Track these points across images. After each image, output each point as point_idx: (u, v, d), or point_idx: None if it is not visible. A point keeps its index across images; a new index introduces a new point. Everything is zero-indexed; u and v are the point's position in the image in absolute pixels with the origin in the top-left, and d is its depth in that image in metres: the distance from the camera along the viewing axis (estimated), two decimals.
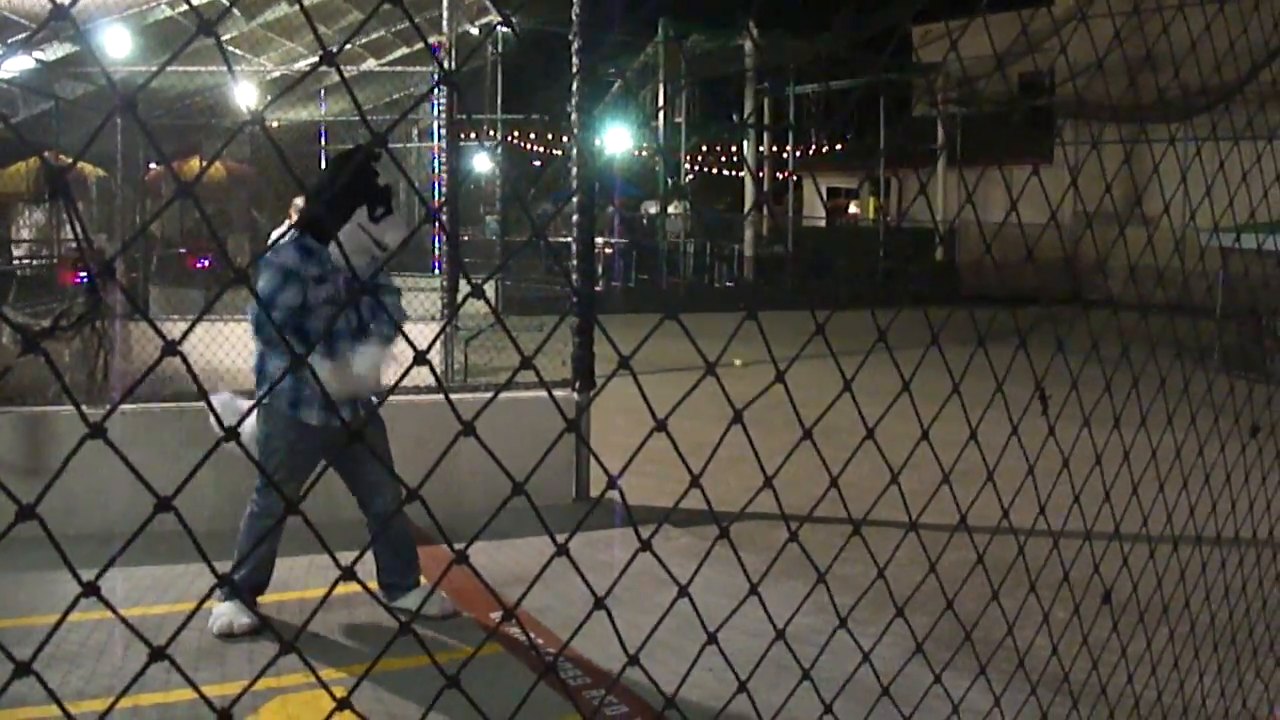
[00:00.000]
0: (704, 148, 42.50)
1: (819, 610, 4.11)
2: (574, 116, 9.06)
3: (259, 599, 6.47)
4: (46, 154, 27.15)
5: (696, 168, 42.32)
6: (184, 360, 1.48)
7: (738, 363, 14.84)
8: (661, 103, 33.12)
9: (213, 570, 1.59)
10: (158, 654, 1.44)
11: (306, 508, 5.43)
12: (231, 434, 1.47)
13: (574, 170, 9.30)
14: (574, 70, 9.14)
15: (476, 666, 5.81)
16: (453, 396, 6.30)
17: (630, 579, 3.88)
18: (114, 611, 1.48)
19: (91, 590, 1.41)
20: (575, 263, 9.16)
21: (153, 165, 29.18)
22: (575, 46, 8.99)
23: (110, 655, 5.73)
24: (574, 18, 8.98)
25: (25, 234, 27.37)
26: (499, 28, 22.10)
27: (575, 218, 9.20)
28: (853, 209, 46.80)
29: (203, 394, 1.58)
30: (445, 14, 13.94)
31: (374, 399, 6.41)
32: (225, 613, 6.18)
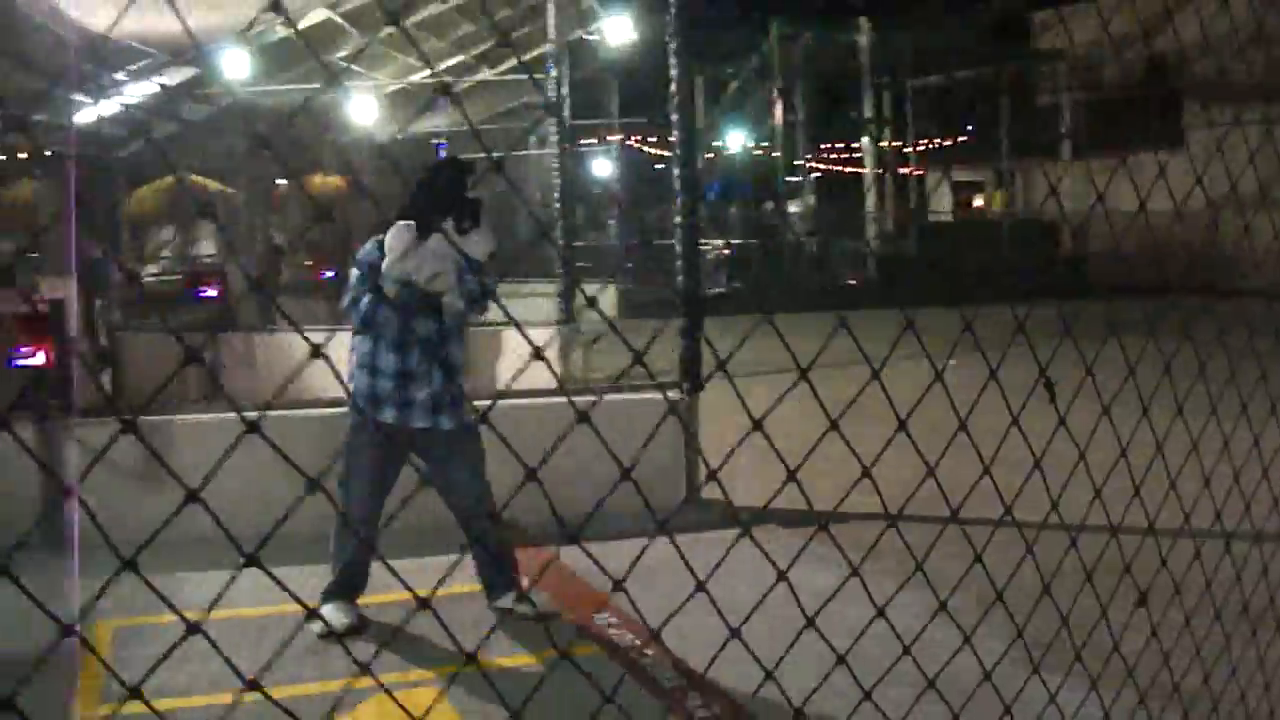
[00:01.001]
0: (823, 146, 42.19)
1: (925, 612, 4.06)
2: (673, 118, 9.08)
3: (359, 599, 6.58)
4: (179, 175, 27.88)
5: (816, 166, 42.07)
6: (329, 363, 1.55)
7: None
8: (777, 101, 32.90)
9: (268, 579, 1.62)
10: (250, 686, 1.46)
11: (407, 509, 5.49)
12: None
13: (675, 172, 9.27)
14: (672, 71, 9.12)
15: (572, 666, 5.80)
16: (563, 400, 6.32)
17: (737, 581, 3.87)
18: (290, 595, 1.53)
19: (251, 561, 1.46)
20: (680, 264, 9.17)
21: (278, 181, 29.72)
22: (672, 47, 9.01)
23: (224, 651, 5.83)
24: (670, 19, 8.99)
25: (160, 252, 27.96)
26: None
27: (678, 220, 9.20)
28: (978, 202, 46.21)
29: (346, 391, 1.63)
30: (552, 22, 13.98)
31: (469, 403, 6.52)
32: (325, 614, 6.30)
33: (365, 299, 6.21)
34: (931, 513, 4.24)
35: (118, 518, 7.26)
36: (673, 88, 9.14)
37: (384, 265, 6.12)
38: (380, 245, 6.23)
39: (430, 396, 6.35)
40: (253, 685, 1.51)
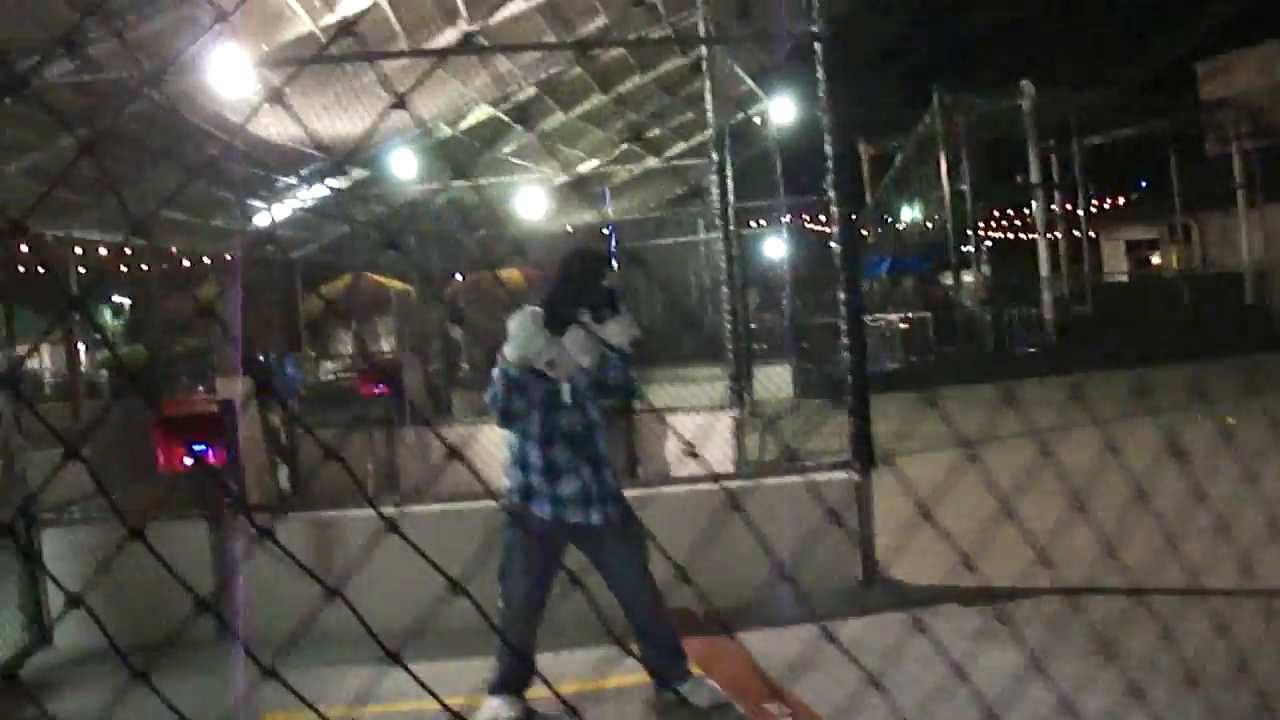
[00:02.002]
0: (994, 212, 41.76)
1: (1115, 690, 3.88)
2: (831, 194, 9.01)
3: (526, 693, 6.52)
4: (352, 275, 28.55)
5: (988, 233, 41.58)
6: (464, 463, 1.53)
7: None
8: (944, 170, 32.65)
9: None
10: None
11: (560, 601, 5.44)
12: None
13: (836, 249, 9.17)
14: (828, 148, 9.06)
15: None
16: (734, 483, 6.27)
17: (917, 663, 3.75)
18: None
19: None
20: (846, 341, 9.06)
21: (456, 277, 30.24)
22: (827, 124, 8.96)
23: None
24: (821, 96, 8.96)
25: (340, 349, 28.62)
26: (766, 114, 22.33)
27: (842, 295, 9.09)
28: (1155, 260, 45.32)
29: (486, 489, 1.61)
30: (709, 108, 14.04)
31: (623, 494, 6.49)
32: (491, 707, 6.29)
33: (501, 393, 6.20)
34: (1119, 582, 4.08)
35: (287, 614, 7.33)
36: (829, 163, 9.07)
37: (505, 351, 6.12)
38: None
39: (580, 491, 6.32)
40: None
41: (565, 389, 6.26)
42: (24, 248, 20.37)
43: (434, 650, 5.27)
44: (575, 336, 6.13)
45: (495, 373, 6.21)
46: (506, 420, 6.24)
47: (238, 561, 8.08)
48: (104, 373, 30.45)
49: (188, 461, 8.30)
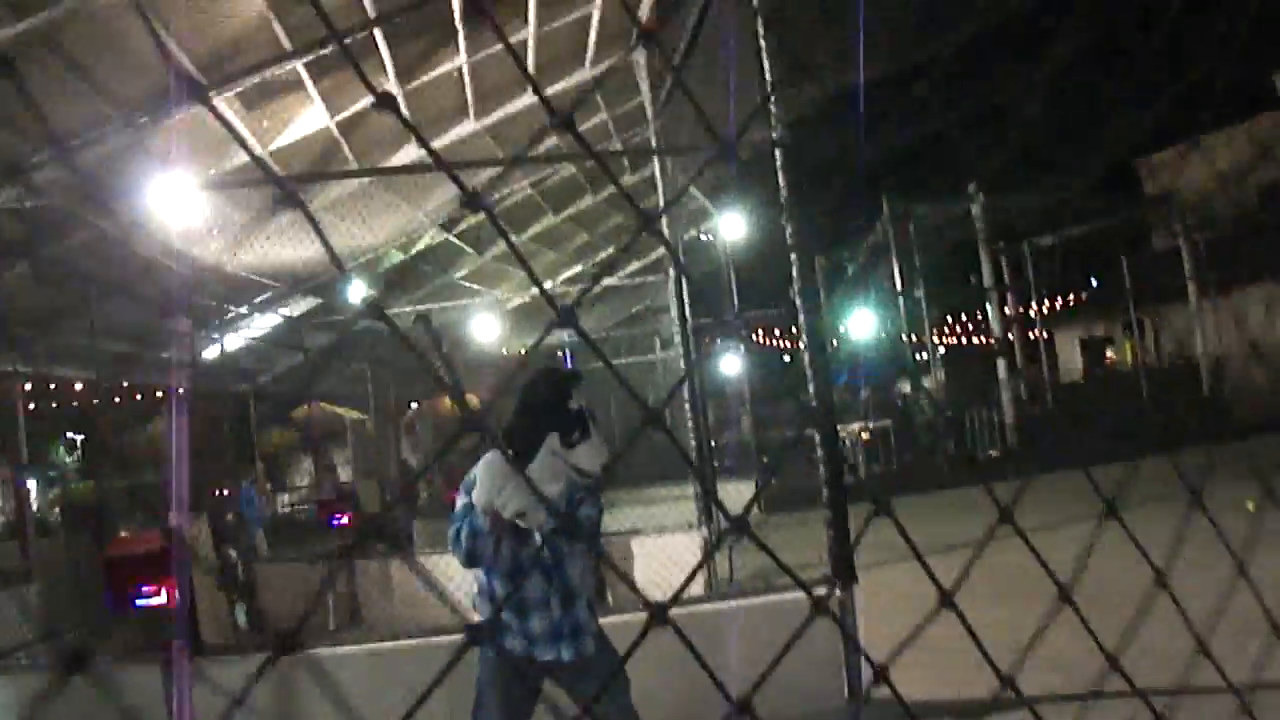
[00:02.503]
0: (949, 317, 41.95)
1: None
2: (798, 303, 8.83)
3: None
4: (308, 405, 28.30)
5: (943, 339, 41.68)
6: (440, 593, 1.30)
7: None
8: (898, 279, 32.77)
9: None
10: None
11: None
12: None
13: (807, 360, 8.98)
14: (791, 259, 8.90)
15: None
16: (713, 606, 5.97)
17: None
18: None
19: None
20: (820, 454, 8.84)
21: (412, 405, 30.02)
22: (789, 233, 8.81)
23: None
24: (783, 205, 8.82)
25: (298, 481, 28.29)
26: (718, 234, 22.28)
27: (815, 406, 8.90)
28: (1110, 355, 45.65)
29: (450, 605, 1.41)
30: (666, 228, 13.92)
31: (596, 631, 6.15)
32: None
33: (464, 534, 5.89)
34: (1123, 685, 3.83)
35: None
36: (794, 273, 8.90)
37: (474, 497, 5.81)
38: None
39: (551, 626, 5.98)
40: None
41: (534, 534, 5.94)
42: None
43: None
44: (543, 462, 5.82)
45: (459, 508, 5.89)
46: (471, 561, 5.91)
47: (189, 706, 7.73)
48: (56, 511, 30.00)
49: (138, 602, 7.98)
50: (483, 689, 6.02)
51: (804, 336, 8.94)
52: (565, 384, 6.10)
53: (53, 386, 26.11)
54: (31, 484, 31.40)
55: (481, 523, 5.73)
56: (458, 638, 5.77)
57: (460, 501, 5.87)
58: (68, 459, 36.00)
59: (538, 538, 5.89)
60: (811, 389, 8.92)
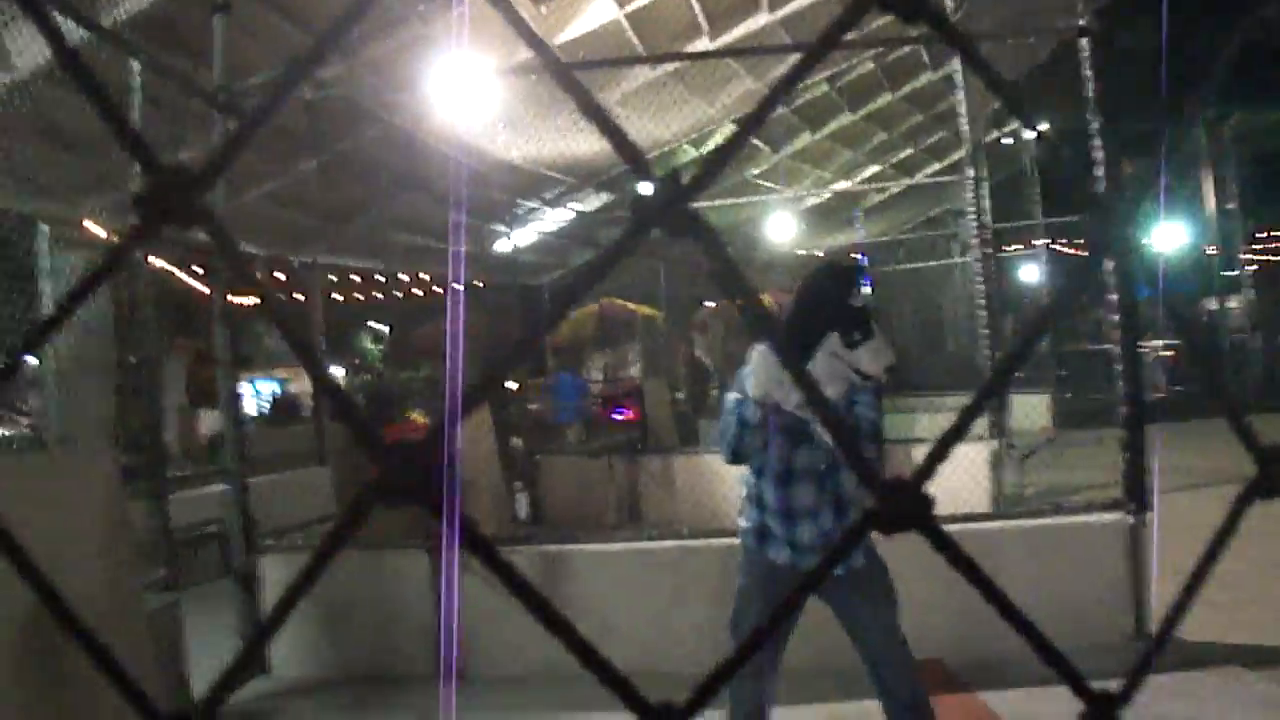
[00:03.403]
0: (1263, 233, 39.93)
1: None
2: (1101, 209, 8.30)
3: None
4: (599, 301, 28.50)
5: (1257, 256, 39.71)
6: None
7: None
8: (1209, 189, 31.25)
9: None
10: None
11: (800, 653, 4.82)
12: None
13: (1109, 270, 8.45)
14: (1096, 154, 8.36)
15: None
16: (999, 524, 5.61)
17: None
18: None
19: None
20: (1120, 369, 8.34)
21: (706, 304, 29.97)
22: (1095, 127, 8.27)
23: None
24: (1089, 97, 8.29)
25: (594, 374, 28.55)
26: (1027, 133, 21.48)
27: (1118, 319, 8.38)
28: None
29: None
30: (965, 126, 13.35)
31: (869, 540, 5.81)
32: None
33: (733, 428, 5.60)
34: None
35: (515, 649, 6.85)
36: (1098, 170, 8.37)
37: (749, 388, 5.50)
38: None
39: (820, 537, 5.66)
40: None
41: (814, 426, 5.61)
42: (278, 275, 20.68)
43: (665, 695, 4.77)
44: (823, 362, 5.50)
45: (728, 403, 5.60)
46: (736, 458, 5.63)
47: (457, 595, 7.74)
48: (361, 397, 31.01)
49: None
50: (744, 598, 5.78)
51: (1108, 245, 8.43)
52: (848, 279, 5.75)
53: (355, 278, 26.89)
54: (339, 371, 32.58)
55: (752, 414, 5.46)
56: (727, 541, 5.56)
57: (731, 396, 5.60)
58: (372, 347, 37.14)
59: (817, 437, 5.59)
60: (1115, 300, 8.43)
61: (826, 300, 5.60)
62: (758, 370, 5.43)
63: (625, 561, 8.13)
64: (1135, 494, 8.11)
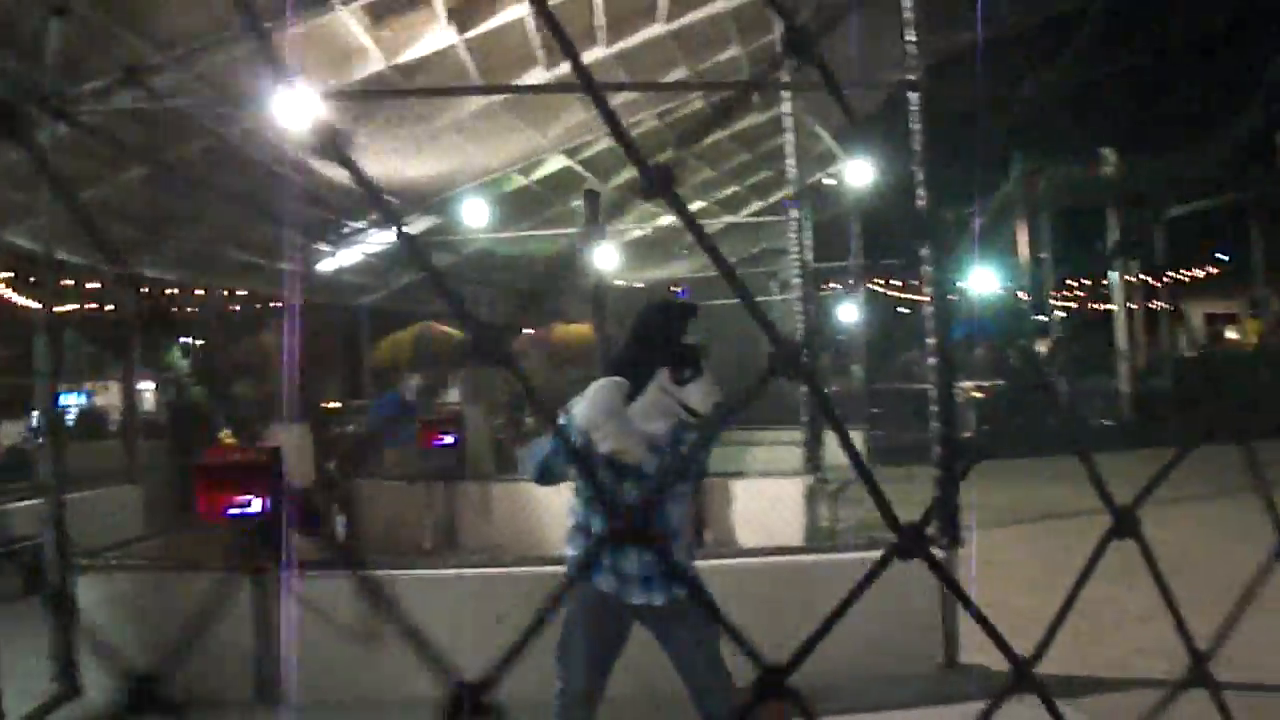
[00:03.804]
0: (1072, 283, 41.22)
1: None
2: (924, 254, 8.59)
3: None
4: (422, 323, 28.39)
5: (1064, 303, 40.99)
6: None
7: None
8: (1025, 239, 32.19)
9: None
10: None
11: (624, 681, 4.92)
12: None
13: (930, 312, 8.73)
14: (920, 207, 8.63)
15: None
16: (809, 558, 5.77)
17: None
18: None
19: None
20: (935, 409, 8.59)
21: (525, 331, 29.98)
22: (919, 179, 8.54)
23: None
24: (915, 152, 8.56)
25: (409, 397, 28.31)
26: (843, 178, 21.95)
27: (933, 361, 8.63)
28: (1232, 335, 44.65)
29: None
30: (792, 168, 13.63)
31: (696, 574, 5.95)
32: None
33: (548, 449, 5.68)
34: (1227, 675, 3.60)
35: (331, 672, 6.83)
36: (922, 219, 8.63)
37: (574, 410, 5.58)
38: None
39: (645, 568, 5.75)
40: None
41: (631, 470, 5.70)
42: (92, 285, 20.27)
43: None
44: (652, 397, 5.60)
45: (567, 423, 5.66)
46: (543, 478, 5.70)
47: (281, 618, 7.69)
48: (168, 413, 30.41)
49: (231, 512, 7.91)
50: (570, 626, 5.84)
51: (928, 288, 8.70)
52: (679, 316, 5.85)
53: (171, 292, 26.42)
54: (149, 385, 31.87)
55: (575, 439, 5.53)
56: (549, 569, 5.64)
57: (561, 420, 5.66)
58: (183, 363, 36.46)
59: (633, 477, 5.68)
60: (930, 342, 8.68)
61: (658, 336, 5.70)
62: (590, 403, 5.51)
63: (447, 587, 8.13)
64: (946, 529, 8.36)
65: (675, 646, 5.86)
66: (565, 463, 5.61)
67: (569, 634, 5.81)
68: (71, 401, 29.00)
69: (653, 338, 5.72)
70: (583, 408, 5.52)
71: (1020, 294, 34.50)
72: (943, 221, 8.94)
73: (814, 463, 13.71)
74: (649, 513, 5.77)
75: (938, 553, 8.18)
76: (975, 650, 8.19)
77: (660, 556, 5.70)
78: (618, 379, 5.58)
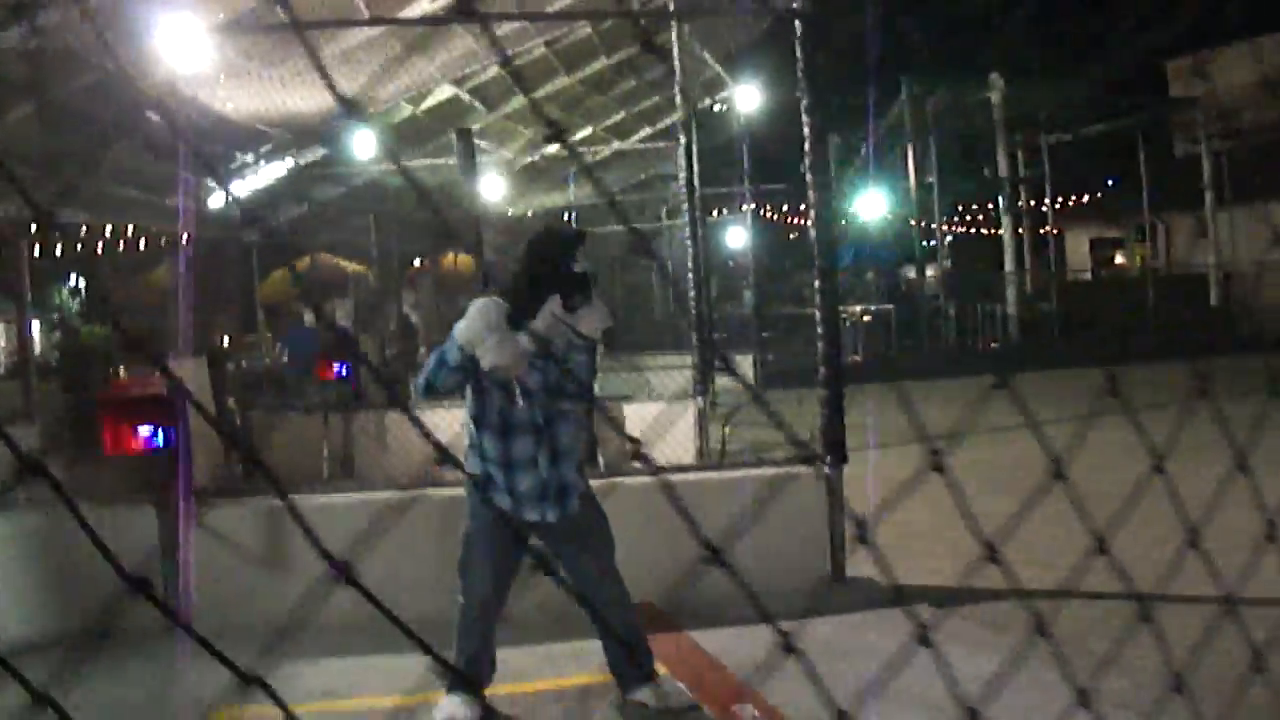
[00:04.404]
0: (959, 206, 41.63)
1: (1101, 701, 3.62)
2: (808, 178, 8.78)
3: (487, 690, 6.25)
4: (309, 256, 28.27)
5: (952, 228, 41.45)
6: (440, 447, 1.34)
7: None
8: (911, 163, 32.48)
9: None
10: None
11: (520, 596, 5.15)
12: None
13: (813, 235, 8.94)
14: (806, 129, 8.82)
15: None
16: (704, 475, 6.01)
17: (889, 666, 3.53)
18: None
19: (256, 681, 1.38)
20: (820, 331, 8.82)
21: (416, 262, 29.95)
22: (804, 105, 8.72)
23: None
24: (800, 76, 8.72)
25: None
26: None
27: (817, 285, 8.86)
28: (1119, 259, 45.25)
29: (450, 460, 1.49)
30: (679, 93, 13.77)
31: (587, 485, 6.21)
32: (447, 706, 6.00)
33: (432, 365, 5.90)
34: (1099, 588, 3.87)
35: (240, 600, 7.00)
36: (805, 146, 8.84)
37: (455, 329, 5.78)
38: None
39: (537, 487, 6.00)
40: None
41: (515, 387, 5.91)
42: None
43: (389, 643, 5.01)
44: (542, 322, 5.80)
45: (441, 348, 5.87)
46: (428, 392, 5.89)
47: (184, 548, 7.80)
48: (57, 354, 30.08)
49: (135, 445, 7.99)
50: (470, 543, 6.07)
51: (811, 213, 8.90)
52: (569, 245, 6.04)
53: (57, 231, 26.05)
54: (35, 326, 31.46)
55: (453, 357, 5.73)
56: (447, 492, 5.84)
57: (445, 344, 5.85)
58: (72, 303, 35.98)
59: (519, 398, 5.90)
60: (815, 267, 8.88)
61: (548, 264, 5.90)
62: (470, 320, 5.70)
63: (348, 513, 8.25)
64: (832, 448, 8.64)
65: (570, 561, 6.12)
66: (446, 377, 5.81)
67: (469, 551, 6.03)
68: None
69: (543, 265, 5.91)
70: (462, 325, 5.71)
71: (910, 220, 34.89)
72: (824, 148, 9.10)
73: (703, 386, 13.95)
74: (538, 433, 6.02)
75: (823, 470, 8.49)
76: (862, 564, 8.49)
77: (551, 473, 5.96)
78: (495, 299, 5.77)
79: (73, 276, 34.93)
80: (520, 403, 5.88)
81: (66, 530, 7.77)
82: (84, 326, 30.21)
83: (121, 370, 12.54)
